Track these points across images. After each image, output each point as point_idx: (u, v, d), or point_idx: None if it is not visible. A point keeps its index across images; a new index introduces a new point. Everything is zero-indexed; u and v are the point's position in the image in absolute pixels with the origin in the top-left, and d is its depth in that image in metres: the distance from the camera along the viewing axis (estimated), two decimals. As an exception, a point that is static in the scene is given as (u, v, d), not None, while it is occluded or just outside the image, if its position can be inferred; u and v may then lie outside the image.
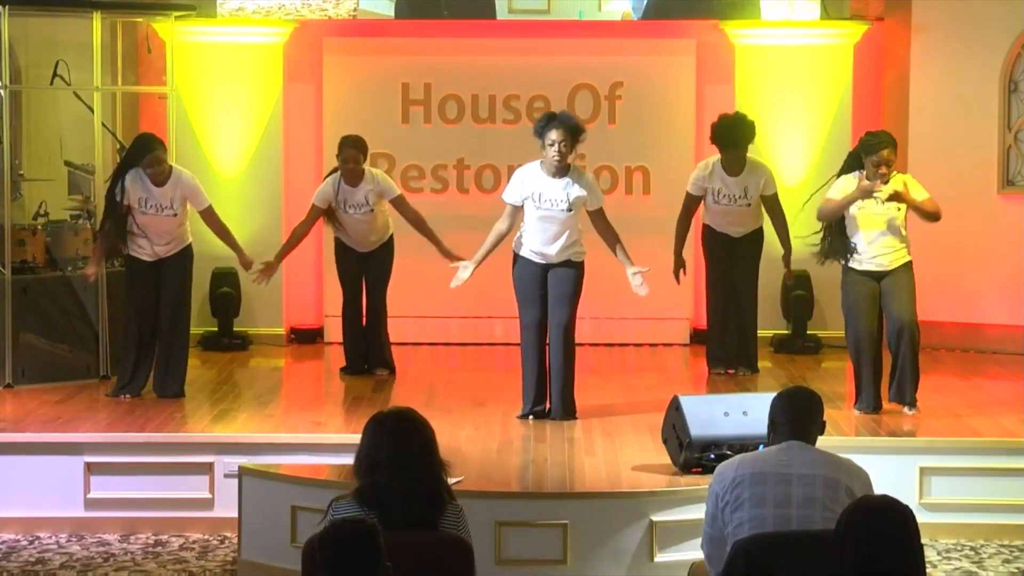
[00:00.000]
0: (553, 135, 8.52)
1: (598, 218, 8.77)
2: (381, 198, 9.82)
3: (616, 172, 11.60)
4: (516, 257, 8.77)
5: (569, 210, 8.60)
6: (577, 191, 8.61)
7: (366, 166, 9.84)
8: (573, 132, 8.58)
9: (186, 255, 9.32)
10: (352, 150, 9.71)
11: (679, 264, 9.98)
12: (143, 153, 9.10)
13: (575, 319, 8.78)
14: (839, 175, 8.68)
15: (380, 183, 9.81)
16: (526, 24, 11.78)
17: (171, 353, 9.29)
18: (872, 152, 8.44)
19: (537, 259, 8.70)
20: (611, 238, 8.81)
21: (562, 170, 8.60)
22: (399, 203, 9.87)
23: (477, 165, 11.69)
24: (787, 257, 9.98)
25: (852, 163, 8.64)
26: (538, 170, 8.66)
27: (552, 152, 8.53)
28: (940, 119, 11.24)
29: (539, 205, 8.61)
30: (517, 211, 8.74)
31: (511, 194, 8.74)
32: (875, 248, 8.54)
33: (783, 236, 9.96)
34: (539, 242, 8.66)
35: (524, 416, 8.77)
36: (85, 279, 9.46)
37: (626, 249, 8.82)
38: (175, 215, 9.18)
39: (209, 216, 9.37)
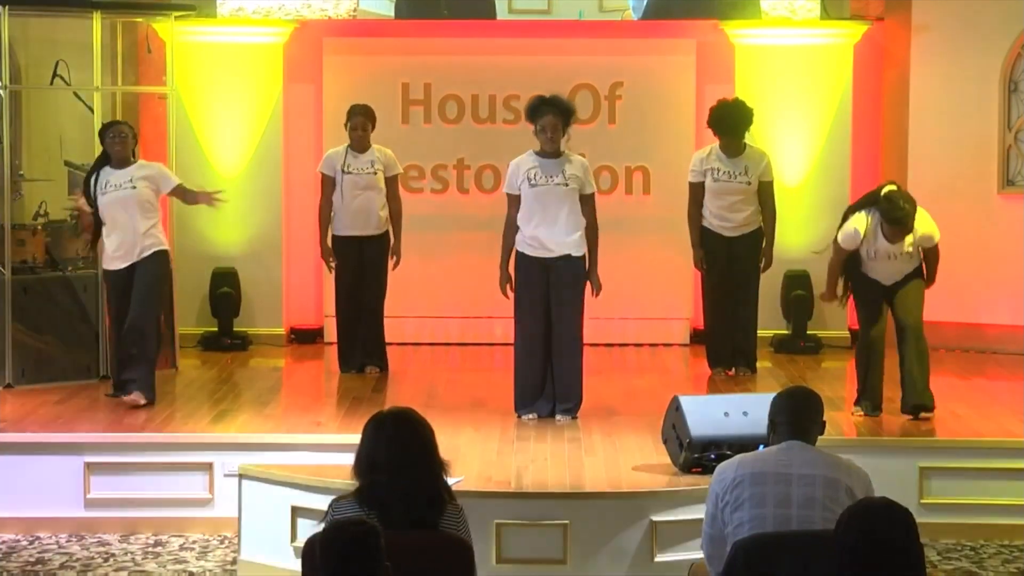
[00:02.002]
0: (545, 120, 8.58)
1: (586, 204, 8.76)
2: (384, 170, 10.06)
3: (616, 172, 11.60)
4: (517, 254, 8.76)
5: (566, 185, 8.60)
6: (572, 168, 8.65)
7: (375, 144, 10.12)
8: (565, 115, 8.64)
9: (159, 259, 9.04)
10: (361, 117, 10.05)
11: (699, 255, 10.01)
12: (106, 128, 9.12)
13: (582, 316, 8.76)
14: (850, 211, 8.57)
15: (387, 156, 10.12)
16: (526, 24, 11.78)
17: (136, 354, 8.96)
18: (890, 222, 8.32)
19: (537, 250, 8.65)
20: (592, 230, 8.78)
21: (555, 152, 8.65)
22: (393, 183, 10.16)
23: (477, 165, 11.69)
24: (768, 249, 9.98)
25: (866, 202, 8.54)
26: (531, 154, 8.71)
27: (544, 137, 8.59)
28: (940, 119, 11.24)
29: (535, 183, 8.61)
30: (518, 200, 8.72)
31: (510, 183, 8.75)
32: (888, 273, 8.52)
33: (768, 227, 9.97)
34: (537, 224, 8.62)
35: (520, 415, 8.80)
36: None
37: (597, 252, 8.77)
38: (134, 188, 8.96)
39: (181, 192, 9.27)
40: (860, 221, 8.41)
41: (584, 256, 8.73)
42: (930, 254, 8.55)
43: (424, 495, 4.85)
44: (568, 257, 8.66)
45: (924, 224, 8.41)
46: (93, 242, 9.41)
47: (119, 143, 9.07)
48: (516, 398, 8.83)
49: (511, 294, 8.81)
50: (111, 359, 9.55)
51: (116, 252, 9.03)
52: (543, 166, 8.64)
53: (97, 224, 9.13)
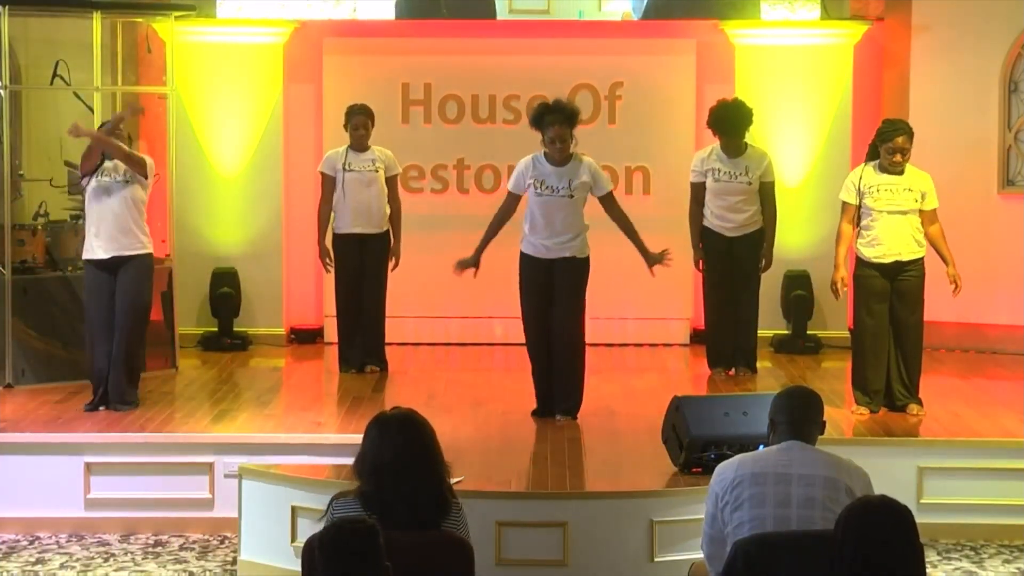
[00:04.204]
0: (552, 130, 8.51)
1: (609, 204, 8.75)
2: (385, 170, 10.10)
3: (616, 172, 11.58)
4: (521, 256, 8.76)
5: (571, 196, 8.58)
6: (580, 177, 8.60)
7: (374, 145, 10.16)
8: (571, 120, 8.58)
9: (143, 263, 8.98)
10: (361, 116, 10.09)
11: (699, 255, 10.02)
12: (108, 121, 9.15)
13: (582, 318, 8.73)
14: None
15: (387, 156, 10.17)
16: (526, 24, 11.77)
17: (121, 358, 8.89)
18: (887, 140, 8.53)
19: (541, 252, 8.64)
20: (625, 224, 8.80)
21: (565, 159, 8.60)
22: (393, 183, 10.21)
23: (477, 165, 11.68)
24: (768, 250, 9.98)
25: (871, 153, 8.70)
26: (540, 159, 8.65)
27: (555, 148, 8.53)
28: (940, 119, 11.24)
29: (540, 192, 8.57)
30: (516, 200, 8.72)
31: (516, 183, 8.68)
32: (891, 241, 8.57)
33: (769, 228, 9.97)
34: (542, 231, 8.60)
35: (537, 413, 8.80)
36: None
37: (640, 238, 8.81)
38: (127, 182, 8.92)
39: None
40: (856, 171, 8.74)
41: (587, 258, 8.69)
42: (935, 234, 8.66)
43: (428, 498, 4.85)
44: (572, 259, 8.64)
45: (925, 179, 8.65)
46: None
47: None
48: (536, 394, 8.85)
49: (465, 273, 8.80)
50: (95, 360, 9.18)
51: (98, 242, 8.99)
52: (551, 175, 8.58)
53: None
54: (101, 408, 8.88)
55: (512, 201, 8.74)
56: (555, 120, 8.52)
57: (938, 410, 8.84)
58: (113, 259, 8.93)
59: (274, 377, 10.57)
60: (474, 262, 8.78)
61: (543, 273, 8.67)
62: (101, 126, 9.25)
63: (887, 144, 8.54)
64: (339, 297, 10.31)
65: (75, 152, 10.68)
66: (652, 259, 8.81)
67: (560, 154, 8.56)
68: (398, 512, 4.77)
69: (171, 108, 10.48)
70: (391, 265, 10.18)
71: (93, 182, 9.01)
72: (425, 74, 11.64)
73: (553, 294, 8.67)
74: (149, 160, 9.11)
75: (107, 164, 9.01)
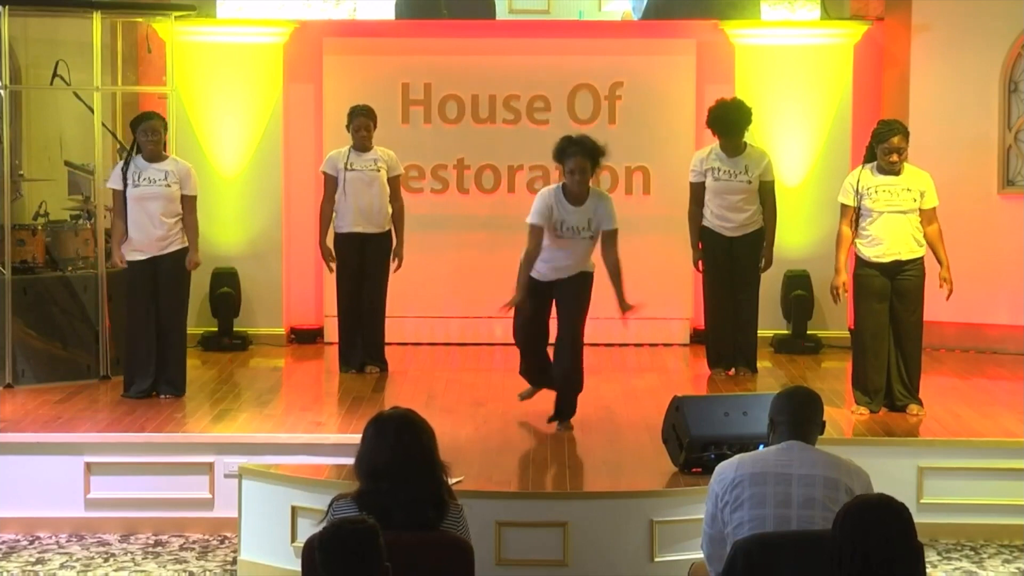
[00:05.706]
0: (573, 163, 8.28)
1: (608, 239, 8.47)
2: (387, 170, 10.12)
3: (616, 172, 11.58)
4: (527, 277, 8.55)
5: (591, 237, 8.43)
6: (598, 216, 8.38)
7: (377, 146, 10.17)
8: (594, 156, 8.34)
9: (182, 257, 9.28)
10: (363, 117, 10.09)
11: (698, 255, 10.02)
12: (140, 120, 9.31)
13: (583, 326, 8.58)
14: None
15: (390, 157, 10.17)
16: (526, 24, 11.78)
17: (170, 354, 9.31)
18: (883, 140, 8.54)
19: (549, 277, 8.46)
20: (613, 263, 8.51)
21: (583, 195, 8.38)
22: (395, 183, 10.21)
23: (477, 165, 11.68)
24: (768, 249, 9.96)
25: (868, 155, 8.71)
26: (560, 196, 8.39)
27: (573, 181, 8.31)
28: (940, 119, 11.24)
29: (561, 233, 8.35)
30: (542, 232, 8.40)
31: (540, 214, 8.37)
32: (891, 240, 8.57)
33: (769, 227, 9.96)
34: (555, 262, 8.41)
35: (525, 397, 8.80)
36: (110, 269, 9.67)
37: (623, 284, 8.54)
38: (168, 186, 9.16)
39: (190, 206, 9.31)
40: (854, 173, 8.75)
41: (593, 272, 8.58)
42: (933, 234, 8.64)
43: (427, 499, 4.85)
44: (580, 273, 8.51)
45: (924, 178, 8.64)
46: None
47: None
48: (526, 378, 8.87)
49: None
50: (118, 355, 9.64)
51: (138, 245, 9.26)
52: (571, 214, 8.35)
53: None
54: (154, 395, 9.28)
55: (538, 234, 8.39)
56: (576, 152, 8.29)
57: (938, 410, 8.84)
58: (152, 258, 9.25)
59: (274, 377, 10.57)
60: (520, 300, 8.48)
61: (545, 296, 8.54)
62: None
63: (883, 144, 8.55)
64: (340, 297, 10.31)
65: (75, 152, 10.71)
66: (625, 307, 8.53)
67: (579, 187, 8.32)
68: (396, 513, 4.77)
69: (171, 108, 10.47)
70: (395, 266, 10.17)
71: (133, 191, 9.21)
72: (425, 74, 11.64)
73: (558, 303, 8.53)
74: (189, 179, 9.34)
75: (144, 172, 9.21)
